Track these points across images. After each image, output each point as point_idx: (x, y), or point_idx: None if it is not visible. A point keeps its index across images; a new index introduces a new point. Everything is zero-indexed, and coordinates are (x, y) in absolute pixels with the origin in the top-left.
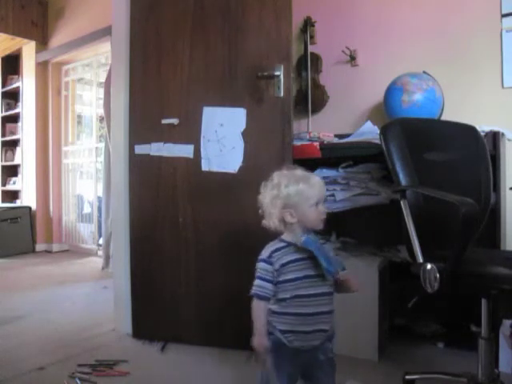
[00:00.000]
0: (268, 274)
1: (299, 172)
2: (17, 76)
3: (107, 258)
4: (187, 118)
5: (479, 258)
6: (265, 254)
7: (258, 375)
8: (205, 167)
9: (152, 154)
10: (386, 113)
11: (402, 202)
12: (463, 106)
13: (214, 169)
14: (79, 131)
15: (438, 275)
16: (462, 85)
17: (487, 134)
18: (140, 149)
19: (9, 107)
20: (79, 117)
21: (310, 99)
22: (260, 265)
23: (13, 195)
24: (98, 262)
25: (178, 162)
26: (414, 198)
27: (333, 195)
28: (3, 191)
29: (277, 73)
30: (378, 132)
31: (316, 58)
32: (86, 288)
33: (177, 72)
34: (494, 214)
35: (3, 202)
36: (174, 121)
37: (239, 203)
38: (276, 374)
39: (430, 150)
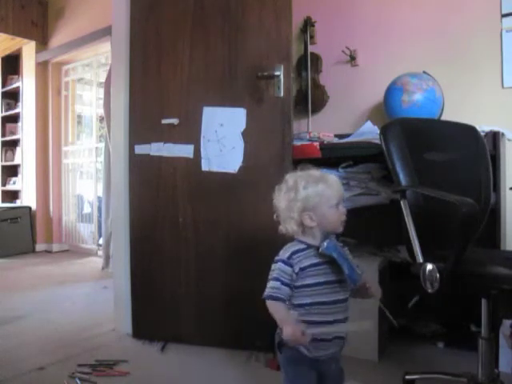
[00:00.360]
0: (286, 276)
1: (316, 172)
2: (17, 76)
3: (107, 257)
4: (187, 118)
5: (479, 258)
6: (284, 254)
7: None
8: (205, 167)
9: (152, 153)
10: (386, 113)
11: (401, 202)
12: (463, 106)
13: (214, 169)
14: (79, 131)
15: (437, 275)
16: (462, 85)
17: (487, 133)
18: (140, 149)
19: (9, 107)
20: (79, 117)
21: (310, 99)
22: (278, 265)
23: (13, 195)
24: (98, 262)
25: (178, 162)
26: (414, 198)
27: None
28: (3, 191)
29: (277, 73)
30: (378, 132)
31: (316, 58)
32: (86, 288)
33: (177, 72)
34: (494, 214)
35: (3, 202)
36: (174, 121)
37: (239, 203)
38: None
39: (430, 150)
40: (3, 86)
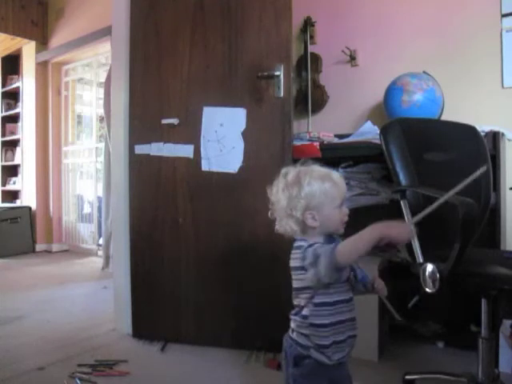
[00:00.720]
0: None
1: (319, 168)
2: (17, 76)
3: (107, 258)
4: (187, 118)
5: (479, 258)
6: (305, 243)
7: None
8: (205, 167)
9: (152, 154)
10: (386, 113)
11: (402, 202)
12: (463, 106)
13: (214, 169)
14: (79, 131)
15: (438, 275)
16: (462, 85)
17: (487, 134)
18: (140, 149)
19: (9, 107)
20: (79, 117)
21: (310, 99)
22: (311, 247)
23: (13, 195)
24: (98, 261)
25: (178, 162)
26: (414, 198)
27: None
28: (3, 191)
29: (277, 73)
30: (378, 132)
31: (316, 58)
32: (85, 288)
33: (177, 72)
34: (494, 214)
35: (3, 201)
36: (174, 121)
37: (239, 203)
38: None
39: (430, 150)
40: (3, 86)
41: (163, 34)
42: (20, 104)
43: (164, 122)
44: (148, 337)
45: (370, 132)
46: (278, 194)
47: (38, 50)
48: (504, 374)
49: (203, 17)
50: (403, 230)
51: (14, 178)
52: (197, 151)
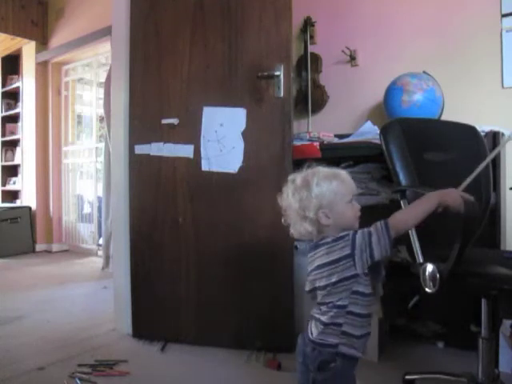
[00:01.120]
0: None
1: (325, 168)
2: (17, 76)
3: (107, 257)
4: (187, 118)
5: (479, 258)
6: (347, 233)
7: None
8: (205, 167)
9: (152, 154)
10: (386, 113)
11: (402, 202)
12: (463, 106)
13: (214, 169)
14: (79, 131)
15: (438, 275)
16: (462, 85)
17: (487, 134)
18: (140, 149)
19: (9, 107)
20: (79, 117)
21: (310, 99)
22: (358, 233)
23: (13, 195)
24: (98, 261)
25: (178, 162)
26: (414, 198)
27: None
28: (3, 191)
29: (277, 73)
30: (378, 132)
31: (316, 58)
32: (85, 288)
33: (177, 72)
34: (494, 214)
35: (3, 201)
36: (174, 121)
37: (239, 203)
38: None
39: (430, 150)
40: (3, 86)
41: (163, 33)
42: (20, 104)
43: (164, 121)
44: (148, 337)
45: (370, 132)
46: (289, 198)
47: (37, 50)
48: (504, 373)
49: (203, 17)
50: (457, 197)
51: (13, 178)
52: (197, 151)
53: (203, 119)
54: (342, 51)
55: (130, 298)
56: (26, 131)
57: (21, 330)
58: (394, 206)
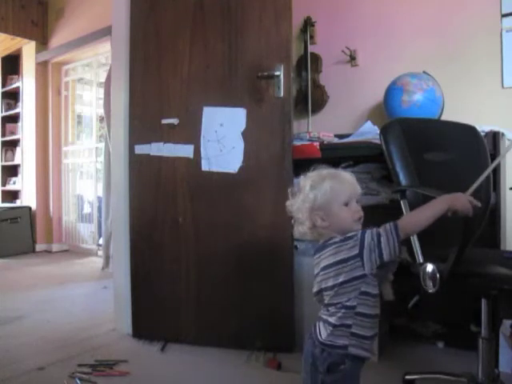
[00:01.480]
0: None
1: (325, 170)
2: (17, 76)
3: (107, 258)
4: (187, 118)
5: (479, 258)
6: (355, 232)
7: None
8: (205, 167)
9: (152, 154)
10: (386, 113)
11: (402, 202)
12: (463, 106)
13: (214, 169)
14: (79, 131)
15: (438, 275)
16: (462, 85)
17: (487, 134)
18: (140, 149)
19: (9, 107)
20: (79, 117)
21: (310, 99)
22: (366, 233)
23: (13, 195)
24: (98, 261)
25: (178, 162)
26: (414, 198)
27: None
28: (3, 191)
29: (277, 73)
30: (378, 132)
31: (316, 58)
32: (85, 288)
33: (177, 72)
34: (494, 214)
35: (3, 201)
36: (174, 121)
37: (239, 203)
38: None
39: (430, 150)
40: (3, 86)
41: (163, 33)
42: (20, 104)
43: (164, 121)
44: (148, 337)
45: (370, 132)
46: (292, 201)
47: (37, 50)
48: (504, 373)
49: (203, 17)
50: (466, 201)
51: (13, 178)
52: (197, 151)
53: (203, 119)
54: (342, 51)
55: (130, 298)
56: (26, 131)
57: (21, 330)
58: (394, 206)
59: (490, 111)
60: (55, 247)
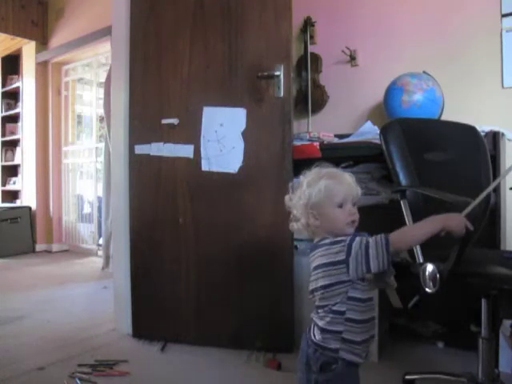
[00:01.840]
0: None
1: (326, 169)
2: (17, 76)
3: (107, 257)
4: (187, 118)
5: (479, 258)
6: (345, 237)
7: None
8: (205, 167)
9: (152, 154)
10: (386, 113)
11: (402, 202)
12: (463, 106)
13: (214, 169)
14: (79, 131)
15: (437, 275)
16: (462, 85)
17: (487, 134)
18: (140, 149)
19: (9, 107)
20: (79, 117)
21: (310, 99)
22: (355, 240)
23: (13, 195)
24: (98, 261)
25: (178, 162)
26: (414, 198)
27: None
28: (3, 191)
29: (277, 73)
30: (378, 132)
31: (316, 58)
32: (85, 288)
33: (177, 72)
34: (494, 214)
35: (3, 201)
36: (174, 121)
37: (239, 203)
38: None
39: (430, 150)
40: (3, 86)
41: (163, 33)
42: (20, 104)
43: (164, 121)
44: (148, 337)
45: (370, 132)
46: (291, 195)
47: (37, 50)
48: (504, 373)
49: (203, 17)
50: (461, 222)
51: (14, 178)
52: (197, 151)
53: (203, 119)
54: (342, 51)
55: (130, 298)
56: (26, 131)
57: (21, 330)
58: (394, 206)
59: (490, 111)
60: (55, 247)
